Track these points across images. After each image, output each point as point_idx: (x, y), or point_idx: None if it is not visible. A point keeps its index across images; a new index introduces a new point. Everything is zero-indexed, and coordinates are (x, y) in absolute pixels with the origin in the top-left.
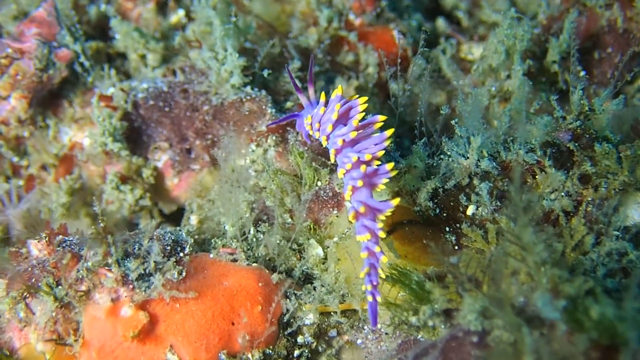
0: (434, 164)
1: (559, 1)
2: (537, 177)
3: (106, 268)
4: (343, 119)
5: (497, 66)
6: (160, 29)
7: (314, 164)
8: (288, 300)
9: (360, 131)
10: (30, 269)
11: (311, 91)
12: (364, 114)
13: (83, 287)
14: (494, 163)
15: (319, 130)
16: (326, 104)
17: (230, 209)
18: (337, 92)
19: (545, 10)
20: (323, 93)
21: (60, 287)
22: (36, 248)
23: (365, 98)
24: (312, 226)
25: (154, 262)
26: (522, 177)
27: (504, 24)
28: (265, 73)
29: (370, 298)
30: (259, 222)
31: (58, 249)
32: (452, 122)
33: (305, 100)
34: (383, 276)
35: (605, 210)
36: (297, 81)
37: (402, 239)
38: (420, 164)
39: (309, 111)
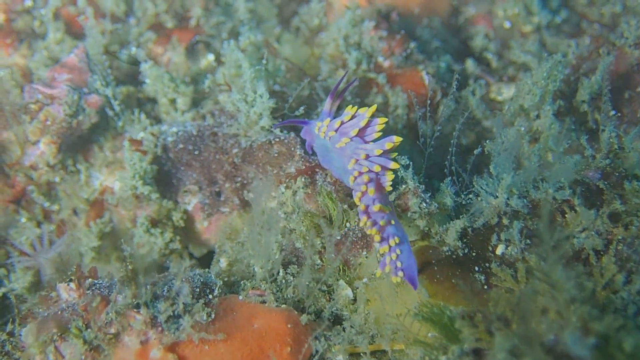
0: (463, 202)
1: (589, 41)
2: (566, 215)
3: (135, 310)
4: (361, 132)
5: (528, 107)
6: (190, 73)
7: (343, 205)
8: (317, 341)
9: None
10: (60, 312)
11: (330, 103)
12: (380, 133)
13: (112, 330)
14: (524, 201)
15: (336, 131)
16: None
17: (260, 251)
18: (372, 109)
19: (575, 50)
20: (350, 106)
21: (89, 330)
22: (65, 291)
23: (385, 119)
24: (341, 267)
25: (183, 304)
26: (551, 215)
27: (542, 66)
28: (299, 112)
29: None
30: (289, 264)
31: (87, 292)
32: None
33: (329, 107)
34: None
35: (636, 248)
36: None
37: (432, 278)
38: (449, 201)
39: (323, 119)
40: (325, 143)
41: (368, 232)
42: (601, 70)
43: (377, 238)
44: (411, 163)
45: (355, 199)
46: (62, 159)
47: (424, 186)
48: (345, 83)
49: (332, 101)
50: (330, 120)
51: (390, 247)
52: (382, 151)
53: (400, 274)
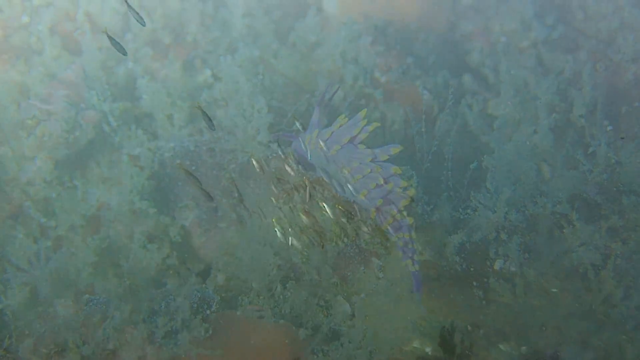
0: (461, 217)
1: (586, 56)
2: (564, 230)
3: (132, 326)
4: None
5: (519, 115)
6: (186, 89)
7: (340, 219)
8: (315, 356)
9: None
10: (57, 328)
11: (317, 114)
12: (367, 134)
13: (110, 346)
14: (524, 214)
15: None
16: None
17: (257, 266)
18: (363, 113)
19: (572, 66)
20: (343, 115)
21: (86, 345)
22: (63, 307)
23: (377, 124)
24: (339, 283)
25: (181, 319)
26: (550, 230)
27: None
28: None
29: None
30: (286, 279)
31: (85, 308)
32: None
33: (317, 117)
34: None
35: (634, 263)
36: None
37: (430, 294)
38: (447, 216)
39: (311, 130)
40: (318, 154)
41: (388, 219)
42: (586, 80)
43: (389, 221)
44: (414, 173)
45: (362, 195)
46: (59, 174)
47: (427, 197)
48: (330, 93)
49: (320, 112)
50: (319, 131)
51: (411, 237)
52: (388, 157)
53: (417, 266)
